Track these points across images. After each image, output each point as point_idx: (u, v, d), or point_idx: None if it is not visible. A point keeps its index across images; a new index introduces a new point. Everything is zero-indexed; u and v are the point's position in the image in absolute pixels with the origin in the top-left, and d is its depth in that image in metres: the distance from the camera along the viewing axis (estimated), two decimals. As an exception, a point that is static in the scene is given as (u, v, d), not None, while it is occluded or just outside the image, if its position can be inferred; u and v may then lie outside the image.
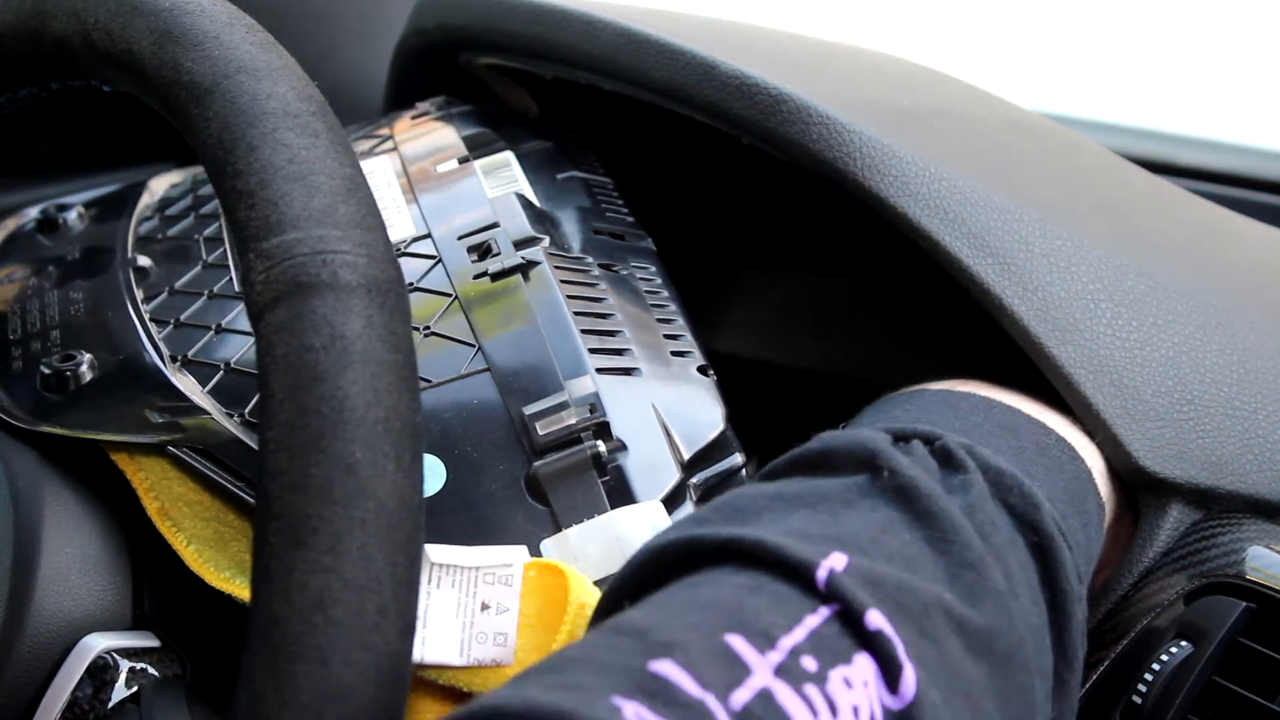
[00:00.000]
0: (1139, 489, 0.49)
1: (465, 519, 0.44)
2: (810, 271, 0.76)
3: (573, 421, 0.46)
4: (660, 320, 0.52)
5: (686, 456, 0.47)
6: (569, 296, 0.50)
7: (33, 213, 0.59)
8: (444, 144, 0.58)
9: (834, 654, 0.34)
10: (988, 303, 0.49)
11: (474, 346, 0.48)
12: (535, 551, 0.44)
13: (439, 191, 0.55)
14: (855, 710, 0.34)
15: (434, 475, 0.45)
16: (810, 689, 0.33)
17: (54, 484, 0.46)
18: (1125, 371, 0.48)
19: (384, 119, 0.63)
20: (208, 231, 0.55)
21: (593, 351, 0.48)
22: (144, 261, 0.53)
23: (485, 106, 0.63)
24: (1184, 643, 0.46)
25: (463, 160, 0.56)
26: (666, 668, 0.32)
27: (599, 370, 0.47)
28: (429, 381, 0.47)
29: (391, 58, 0.69)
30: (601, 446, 0.45)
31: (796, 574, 0.36)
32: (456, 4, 0.62)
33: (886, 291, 0.74)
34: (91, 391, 0.47)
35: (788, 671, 0.33)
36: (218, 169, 0.38)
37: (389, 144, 0.59)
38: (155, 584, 0.47)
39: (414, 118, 0.61)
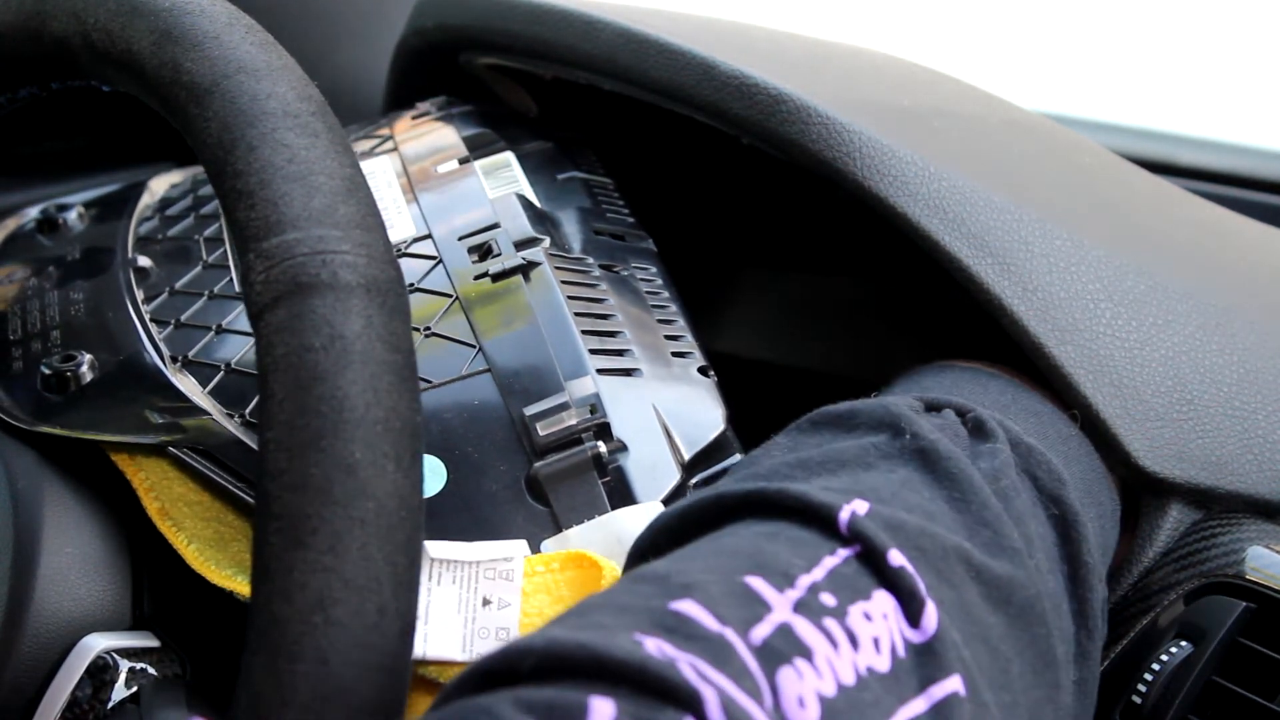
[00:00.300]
0: (1139, 489, 0.49)
1: (466, 519, 0.44)
2: (810, 271, 0.76)
3: (573, 422, 0.46)
4: (661, 321, 0.52)
5: (687, 457, 0.47)
6: (570, 297, 0.49)
7: (33, 213, 0.59)
8: (444, 144, 0.58)
9: (853, 590, 0.35)
10: (988, 303, 0.49)
11: (474, 347, 0.48)
12: (535, 551, 0.44)
13: (439, 192, 0.55)
14: (876, 642, 0.34)
15: (435, 476, 0.45)
16: (830, 622, 0.34)
17: (54, 484, 0.46)
18: (1125, 371, 0.48)
19: (384, 119, 0.63)
20: (208, 232, 0.55)
21: (593, 352, 0.48)
22: (144, 262, 0.53)
23: (485, 107, 0.63)
24: (1184, 643, 0.46)
25: (463, 161, 0.56)
26: (686, 606, 0.33)
27: (600, 371, 0.47)
28: (430, 382, 0.47)
29: (391, 58, 0.69)
30: (602, 447, 0.46)
31: (818, 518, 0.37)
32: (456, 4, 0.62)
33: (886, 291, 0.74)
34: (92, 392, 0.47)
35: (806, 607, 0.34)
36: (217, 169, 0.38)
37: (389, 144, 0.59)
38: (155, 584, 0.47)
39: (414, 118, 0.61)
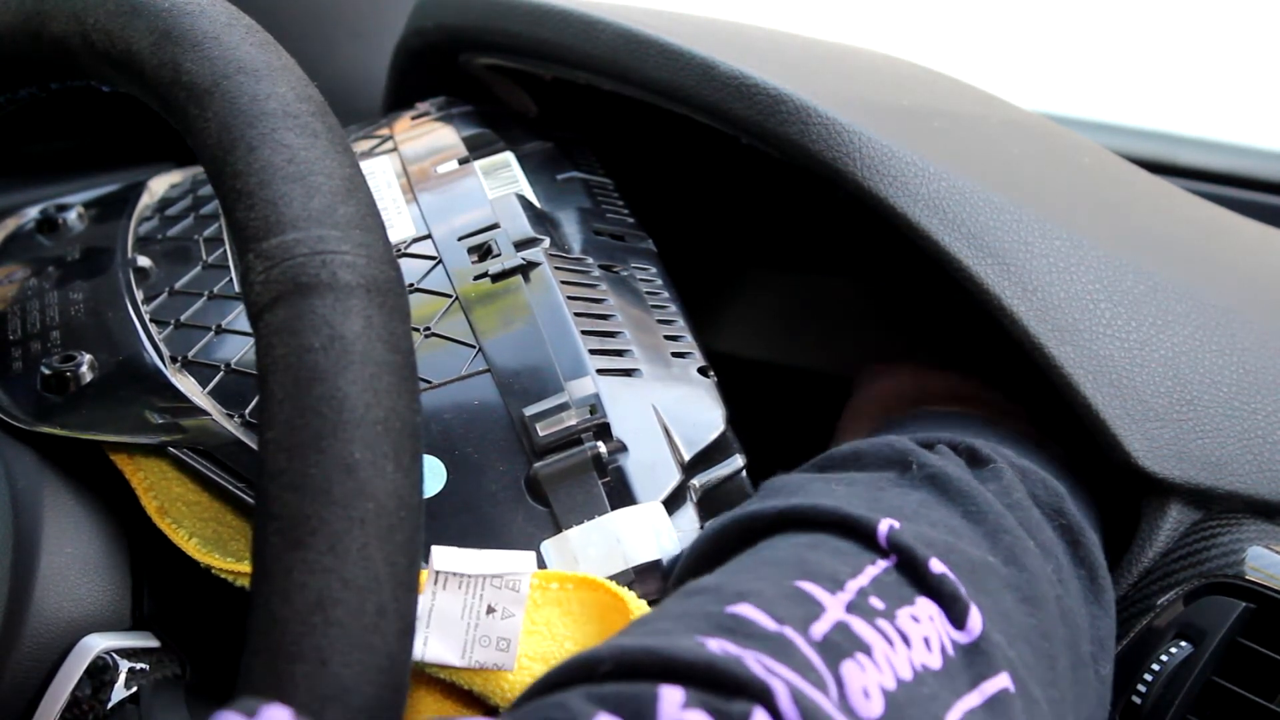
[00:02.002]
0: (1139, 489, 0.49)
1: (466, 520, 0.44)
2: (810, 271, 0.76)
3: (573, 422, 0.46)
4: (661, 321, 0.52)
5: (687, 458, 0.47)
6: (569, 297, 0.49)
7: (32, 213, 0.59)
8: (444, 144, 0.58)
9: (898, 597, 0.37)
10: (987, 303, 0.49)
11: (474, 347, 0.48)
12: (536, 554, 0.44)
13: (439, 192, 0.55)
14: (926, 641, 0.36)
15: (434, 476, 0.45)
16: (882, 623, 0.35)
17: (54, 484, 0.46)
18: (1125, 372, 0.48)
19: (384, 119, 0.63)
20: (208, 232, 0.55)
21: (593, 352, 0.48)
22: (144, 262, 0.53)
23: (485, 107, 0.63)
24: (1184, 643, 0.46)
25: (463, 161, 0.56)
26: (743, 609, 0.34)
27: (599, 371, 0.47)
28: (429, 382, 0.47)
29: (391, 58, 0.69)
30: (602, 447, 0.45)
31: (856, 531, 0.38)
32: (456, 4, 0.62)
33: (886, 291, 0.74)
34: (92, 392, 0.47)
35: (858, 608, 0.35)
36: (217, 169, 0.38)
37: (389, 144, 0.59)
38: (155, 584, 0.47)
39: (414, 118, 0.61)
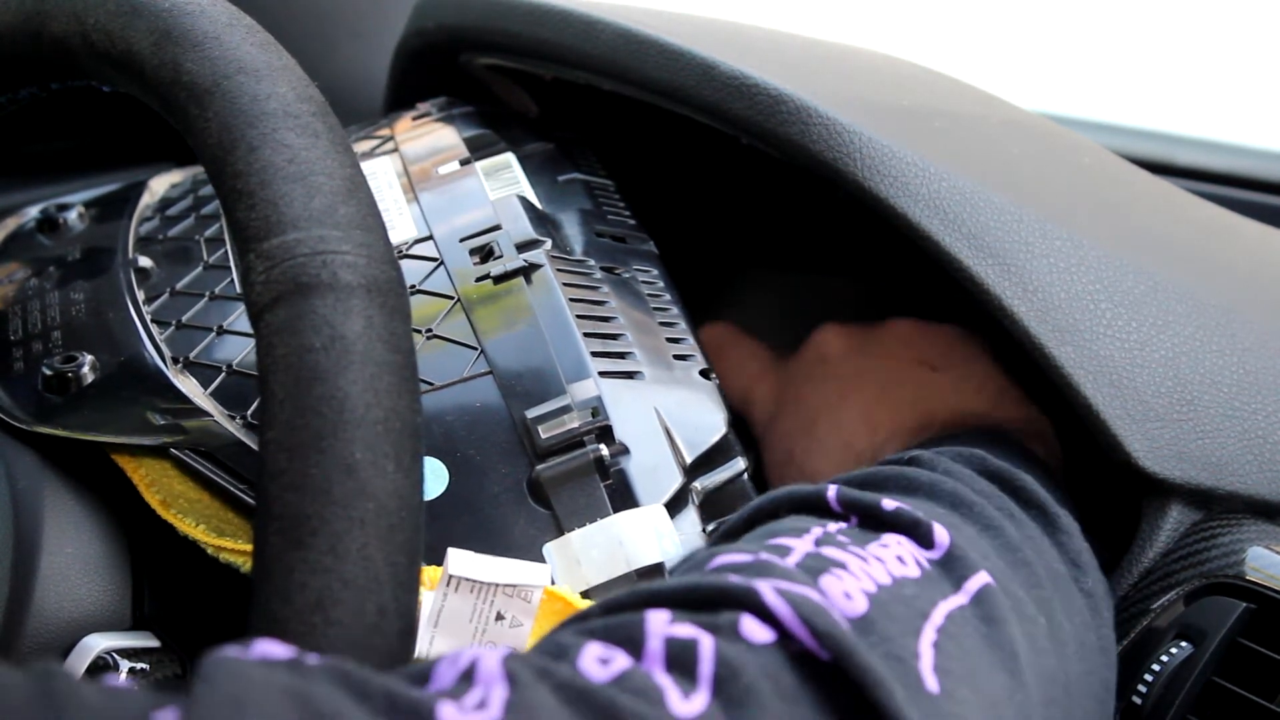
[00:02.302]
0: (1139, 489, 0.49)
1: (468, 522, 0.44)
2: (810, 271, 0.76)
3: (575, 425, 0.45)
4: (662, 324, 0.52)
5: (689, 460, 0.47)
6: (571, 299, 0.49)
7: (33, 212, 0.59)
8: (445, 145, 0.58)
9: (863, 539, 0.38)
10: (988, 303, 0.49)
11: (476, 349, 0.48)
12: (537, 555, 0.44)
13: (440, 193, 0.55)
14: (900, 559, 0.37)
15: (436, 478, 0.45)
16: (853, 548, 0.37)
17: (54, 484, 0.46)
18: (1125, 372, 0.48)
19: (385, 119, 0.63)
20: (209, 232, 0.54)
21: (595, 355, 0.48)
22: (145, 262, 0.53)
23: (486, 108, 0.63)
24: (1184, 643, 0.46)
25: (464, 162, 0.56)
26: (718, 559, 0.36)
27: (601, 374, 0.47)
28: (431, 384, 0.47)
29: (392, 58, 0.69)
30: (604, 450, 0.45)
31: (806, 504, 0.40)
32: (456, 4, 0.62)
33: (886, 291, 0.74)
34: (93, 393, 0.47)
35: (826, 542, 0.37)
36: (217, 169, 0.38)
37: (390, 145, 0.59)
38: (155, 584, 0.47)
39: (415, 118, 0.61)
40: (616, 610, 0.33)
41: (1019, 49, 1.24)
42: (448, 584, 0.40)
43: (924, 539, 0.38)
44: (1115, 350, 0.49)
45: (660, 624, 0.32)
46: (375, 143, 0.59)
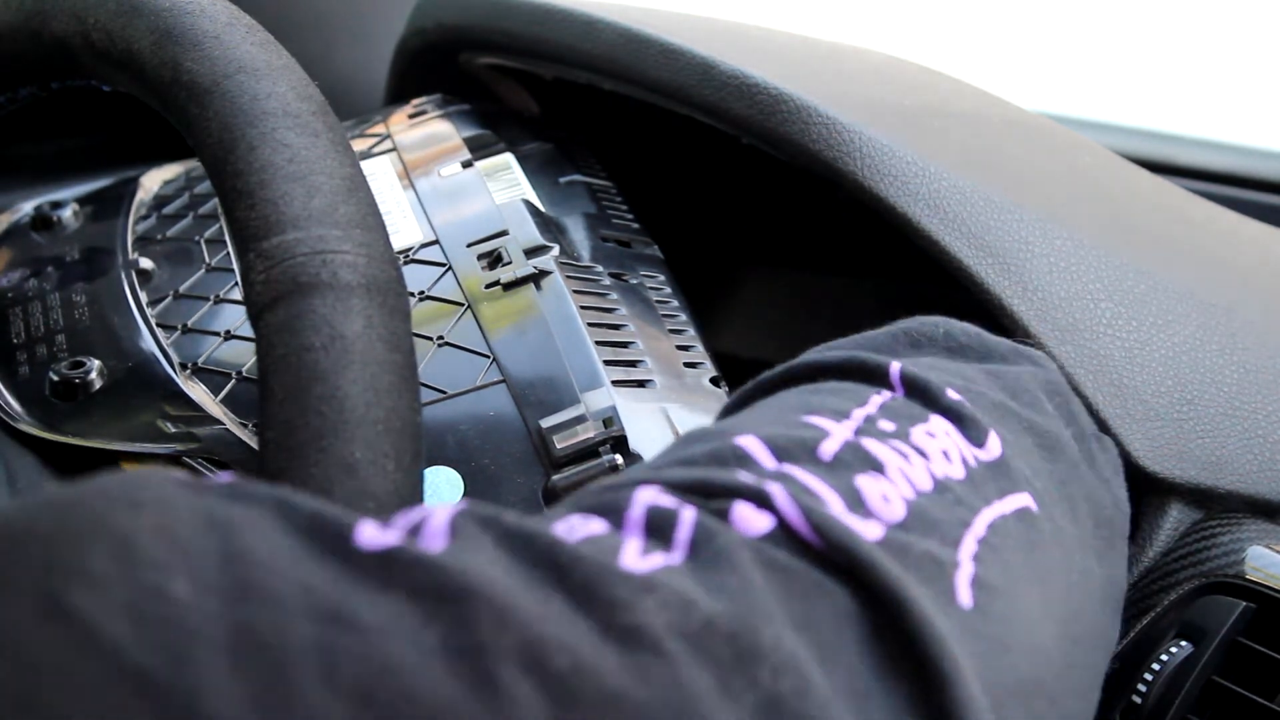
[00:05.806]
0: (1139, 489, 0.49)
1: None
2: (810, 271, 0.76)
3: (590, 435, 0.45)
4: (672, 331, 0.52)
5: (700, 469, 0.47)
6: (582, 307, 0.49)
7: (26, 209, 0.58)
8: (446, 145, 0.57)
9: (909, 417, 0.35)
10: (988, 302, 0.49)
11: (488, 357, 0.47)
12: None
13: (444, 196, 0.54)
14: (945, 454, 0.34)
15: (452, 488, 0.44)
16: (895, 441, 0.34)
17: (54, 486, 0.46)
18: (1125, 371, 0.48)
19: (378, 114, 0.62)
20: (209, 233, 0.54)
21: (607, 363, 0.47)
22: (146, 264, 0.52)
23: (483, 105, 0.62)
24: (1184, 643, 0.46)
25: (465, 164, 0.56)
26: (746, 440, 0.32)
27: (614, 383, 0.47)
28: (444, 393, 0.46)
29: (392, 58, 0.69)
30: (619, 459, 0.45)
31: (864, 371, 0.37)
32: (456, 4, 0.62)
33: (886, 291, 0.74)
34: (102, 399, 0.47)
35: (867, 431, 0.34)
36: (217, 168, 0.38)
37: (388, 143, 0.58)
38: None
39: (411, 115, 0.61)
40: (612, 489, 0.31)
41: (1019, 49, 1.24)
42: None
43: (977, 439, 0.35)
44: (1115, 349, 0.49)
45: (648, 496, 0.29)
46: (372, 141, 0.59)
